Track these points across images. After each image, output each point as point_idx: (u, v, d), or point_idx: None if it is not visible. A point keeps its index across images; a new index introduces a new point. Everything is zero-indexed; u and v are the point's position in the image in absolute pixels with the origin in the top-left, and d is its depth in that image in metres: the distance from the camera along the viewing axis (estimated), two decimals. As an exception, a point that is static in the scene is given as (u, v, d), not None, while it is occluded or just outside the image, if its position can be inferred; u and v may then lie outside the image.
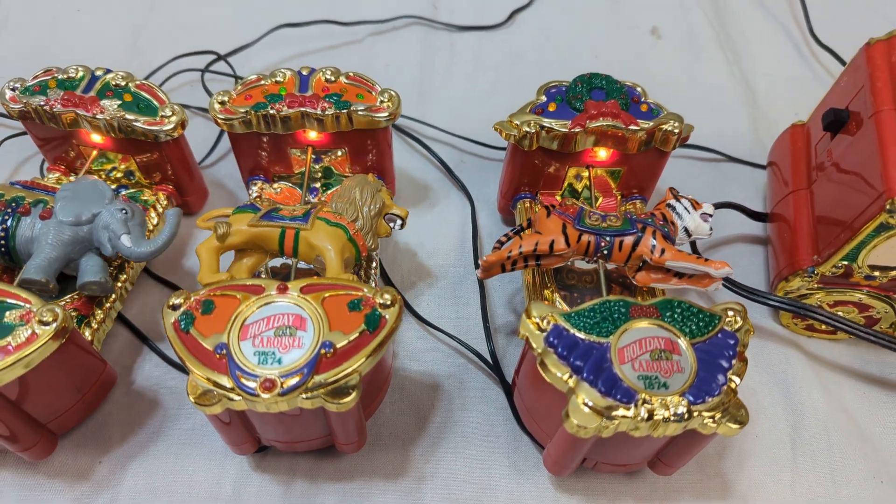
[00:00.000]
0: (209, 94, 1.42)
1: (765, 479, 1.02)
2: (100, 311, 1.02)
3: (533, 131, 1.05)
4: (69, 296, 1.01)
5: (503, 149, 1.36)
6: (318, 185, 1.19)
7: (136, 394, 1.07)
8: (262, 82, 1.09)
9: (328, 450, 1.01)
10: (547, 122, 1.05)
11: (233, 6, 1.63)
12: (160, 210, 1.13)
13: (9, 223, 0.97)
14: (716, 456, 1.03)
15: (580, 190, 1.18)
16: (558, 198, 1.19)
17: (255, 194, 1.17)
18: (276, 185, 1.18)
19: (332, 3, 1.61)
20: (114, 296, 1.04)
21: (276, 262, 1.11)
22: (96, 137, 1.10)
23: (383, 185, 1.05)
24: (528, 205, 1.17)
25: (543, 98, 1.09)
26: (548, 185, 1.18)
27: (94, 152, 1.12)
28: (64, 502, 0.98)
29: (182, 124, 1.06)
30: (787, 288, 1.08)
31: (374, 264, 1.10)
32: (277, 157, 1.15)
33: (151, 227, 1.10)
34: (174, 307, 0.84)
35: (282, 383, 0.77)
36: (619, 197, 1.18)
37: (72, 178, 1.14)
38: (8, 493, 0.98)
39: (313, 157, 1.15)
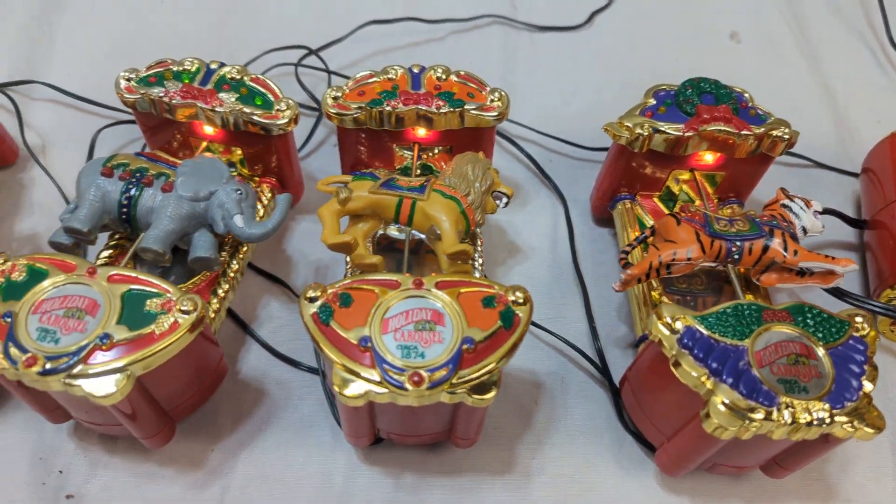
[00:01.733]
0: (303, 87, 1.43)
1: (867, 484, 1.03)
2: (215, 301, 1.03)
3: (646, 134, 1.06)
4: (188, 283, 1.02)
5: (593, 149, 1.37)
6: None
7: (243, 384, 1.09)
8: (375, 79, 1.10)
9: (436, 444, 1.03)
10: (662, 125, 1.06)
11: (319, 2, 1.64)
12: (265, 202, 1.14)
13: (132, 192, 0.99)
14: (819, 460, 1.03)
15: (677, 192, 1.19)
16: (656, 200, 1.19)
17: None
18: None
19: (416, 1, 1.61)
20: (227, 286, 1.05)
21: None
22: (209, 129, 1.11)
23: (491, 164, 1.06)
24: (628, 206, 1.18)
25: (653, 101, 1.10)
26: (646, 186, 1.19)
27: (204, 144, 1.12)
28: (178, 489, 0.99)
29: (295, 119, 1.06)
30: (892, 295, 1.08)
31: (479, 242, 1.11)
32: (381, 152, 1.16)
33: (257, 219, 1.11)
34: (311, 299, 0.85)
35: (429, 377, 0.78)
36: (716, 201, 1.19)
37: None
38: (122, 480, 1.00)
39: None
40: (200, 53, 1.44)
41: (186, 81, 1.08)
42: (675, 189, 1.19)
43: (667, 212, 1.17)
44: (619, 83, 1.52)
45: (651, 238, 1.04)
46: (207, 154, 1.10)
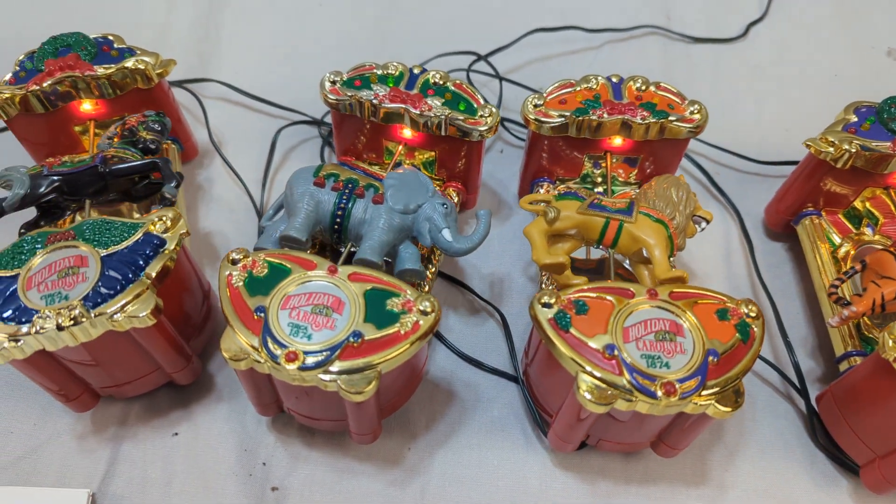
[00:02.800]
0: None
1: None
2: (418, 304, 1.04)
3: (853, 151, 1.05)
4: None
5: (762, 162, 1.36)
6: (600, 189, 1.20)
7: (433, 384, 1.10)
8: (575, 88, 1.10)
9: (630, 453, 1.04)
10: (868, 142, 1.05)
11: (483, 8, 1.66)
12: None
13: (347, 204, 1.00)
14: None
15: (862, 210, 1.18)
16: (841, 217, 1.18)
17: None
18: (559, 188, 1.20)
19: (577, 10, 1.62)
20: (427, 287, 1.07)
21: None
22: (407, 133, 1.13)
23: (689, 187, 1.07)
24: (816, 221, 1.17)
25: (854, 117, 1.09)
26: (831, 202, 1.18)
27: (401, 147, 1.14)
28: (378, 485, 1.01)
29: (496, 126, 1.08)
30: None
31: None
32: (568, 160, 1.17)
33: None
34: (546, 305, 0.86)
35: (680, 388, 0.79)
36: (904, 221, 1.17)
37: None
38: (322, 474, 1.02)
39: (596, 162, 1.18)
40: (362, 56, 1.47)
41: (392, 85, 1.09)
42: (860, 206, 1.17)
43: (853, 229, 1.16)
44: (778, 96, 1.51)
45: (862, 271, 1.02)
46: (407, 166, 1.11)
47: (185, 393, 1.08)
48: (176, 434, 1.05)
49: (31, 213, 1.07)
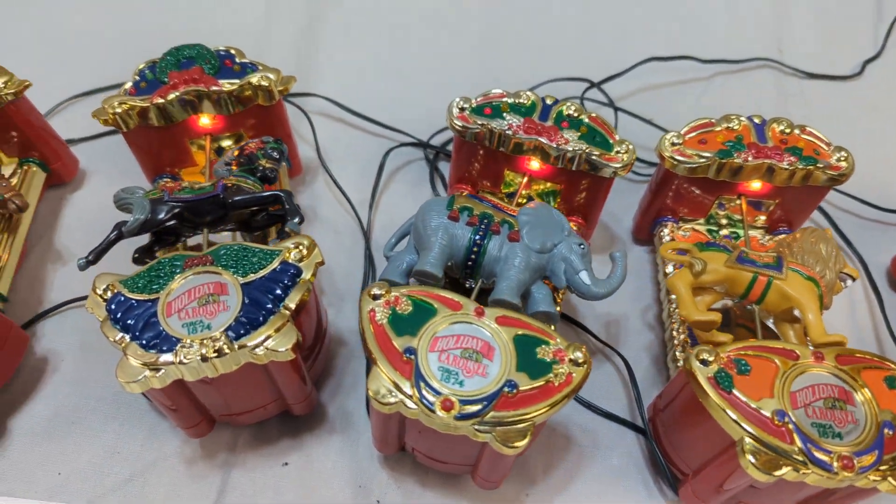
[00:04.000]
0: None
1: None
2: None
3: None
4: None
5: (886, 209, 1.31)
6: (724, 231, 1.16)
7: (550, 428, 1.06)
8: (715, 127, 1.06)
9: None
10: None
11: (592, 32, 1.62)
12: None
13: (483, 240, 0.96)
14: None
15: None
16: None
17: (667, 237, 1.14)
18: (683, 228, 1.15)
19: (688, 38, 1.58)
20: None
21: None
22: (534, 164, 1.09)
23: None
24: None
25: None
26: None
27: (525, 178, 1.11)
28: (498, 531, 0.97)
29: (632, 163, 1.04)
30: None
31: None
32: (696, 201, 1.13)
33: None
34: (704, 362, 0.82)
35: (858, 462, 0.74)
36: None
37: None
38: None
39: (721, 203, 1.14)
40: (467, 77, 1.45)
41: (525, 115, 1.05)
42: None
43: None
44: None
45: None
46: (538, 200, 1.08)
47: (295, 422, 1.05)
48: (286, 464, 1.02)
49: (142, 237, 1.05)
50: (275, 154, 1.07)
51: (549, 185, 1.14)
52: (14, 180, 1.18)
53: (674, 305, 1.06)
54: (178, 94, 1.06)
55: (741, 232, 1.16)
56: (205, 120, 1.13)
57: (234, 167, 1.05)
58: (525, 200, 1.14)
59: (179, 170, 1.21)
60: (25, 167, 1.21)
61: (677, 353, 1.02)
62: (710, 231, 1.17)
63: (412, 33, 1.64)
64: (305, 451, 1.04)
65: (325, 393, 1.08)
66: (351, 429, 1.05)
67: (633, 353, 1.14)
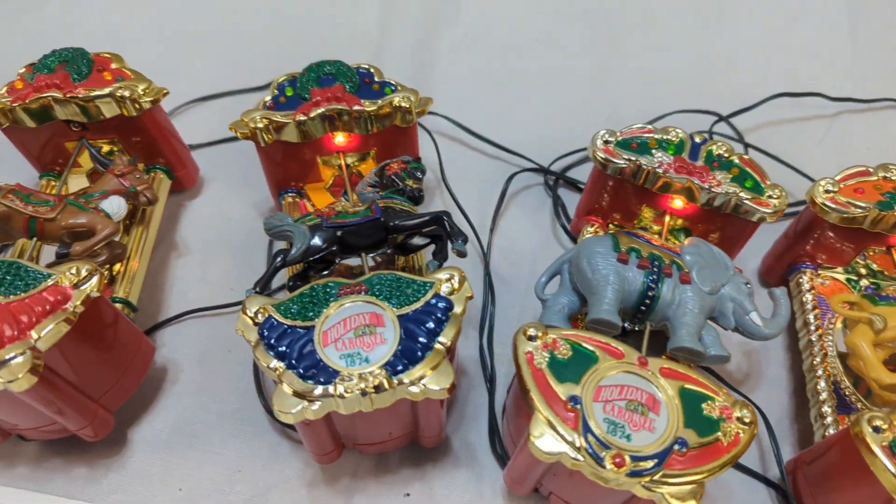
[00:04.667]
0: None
1: None
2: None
3: None
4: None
5: None
6: (864, 281, 1.11)
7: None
8: (871, 176, 1.02)
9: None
10: None
11: (718, 64, 1.58)
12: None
13: (658, 284, 0.93)
14: None
15: None
16: None
17: (806, 284, 1.10)
18: (823, 276, 1.11)
19: (814, 75, 1.54)
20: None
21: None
22: (678, 203, 1.05)
23: None
24: None
25: None
26: None
27: (667, 217, 1.08)
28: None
29: (782, 209, 1.00)
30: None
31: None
32: (840, 250, 1.08)
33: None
34: (877, 430, 0.79)
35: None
36: None
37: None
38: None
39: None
40: (583, 103, 1.42)
41: (672, 153, 1.02)
42: None
43: None
44: None
45: None
46: (694, 237, 1.04)
47: (417, 451, 1.03)
48: (408, 495, 1.00)
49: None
50: (418, 174, 1.05)
51: (679, 221, 1.11)
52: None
53: (817, 358, 1.02)
54: (320, 111, 1.05)
55: (882, 282, 1.11)
56: (340, 138, 1.12)
57: (379, 190, 1.04)
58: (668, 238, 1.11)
59: (304, 185, 1.20)
60: (153, 174, 1.20)
61: (824, 410, 0.98)
62: (848, 280, 1.12)
63: (526, 55, 1.62)
64: (428, 482, 1.01)
65: (450, 425, 1.06)
66: (475, 463, 1.02)
67: (764, 403, 1.09)
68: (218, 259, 1.23)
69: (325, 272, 1.02)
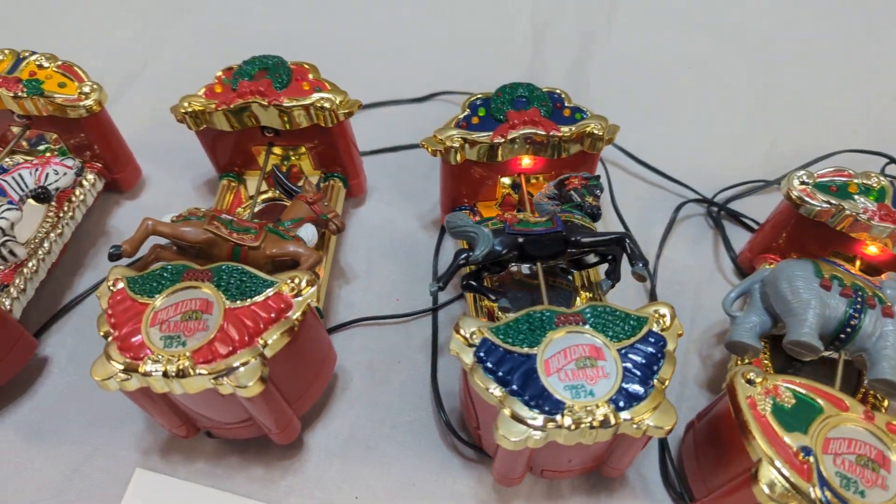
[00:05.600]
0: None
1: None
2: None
3: None
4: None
5: None
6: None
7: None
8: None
9: None
10: None
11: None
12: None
13: (860, 313, 0.92)
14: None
15: None
16: None
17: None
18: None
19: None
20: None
21: None
22: (872, 249, 1.04)
23: None
24: None
25: None
26: None
27: (857, 263, 1.05)
28: None
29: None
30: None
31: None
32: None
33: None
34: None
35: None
36: None
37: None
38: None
39: None
40: (741, 134, 1.40)
41: (874, 199, 1.00)
42: None
43: None
44: None
45: None
46: (893, 273, 1.02)
47: (590, 479, 1.03)
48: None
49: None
50: (597, 191, 1.05)
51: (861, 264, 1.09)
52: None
53: None
54: (518, 134, 1.05)
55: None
56: (526, 160, 1.12)
57: (559, 203, 1.04)
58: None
59: (476, 202, 1.21)
60: (331, 181, 1.22)
61: None
62: None
63: (679, 81, 1.60)
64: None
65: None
66: (649, 497, 1.02)
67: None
68: (383, 269, 1.25)
69: (498, 273, 1.04)
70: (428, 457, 1.04)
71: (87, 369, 1.07)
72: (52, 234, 1.11)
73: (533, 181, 1.18)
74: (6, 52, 1.16)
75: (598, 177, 1.08)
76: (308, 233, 1.06)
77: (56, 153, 1.20)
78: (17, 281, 1.05)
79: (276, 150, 1.20)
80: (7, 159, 1.18)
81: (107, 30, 1.73)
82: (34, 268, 1.08)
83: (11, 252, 1.02)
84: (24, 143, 1.23)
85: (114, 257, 0.98)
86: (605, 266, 1.04)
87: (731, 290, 1.03)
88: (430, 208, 1.31)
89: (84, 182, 1.19)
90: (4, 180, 1.06)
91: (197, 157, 1.29)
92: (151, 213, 1.02)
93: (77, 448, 1.04)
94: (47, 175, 1.09)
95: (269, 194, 1.21)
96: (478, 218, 1.08)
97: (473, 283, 1.01)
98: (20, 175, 1.08)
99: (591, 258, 1.03)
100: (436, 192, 1.32)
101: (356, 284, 1.23)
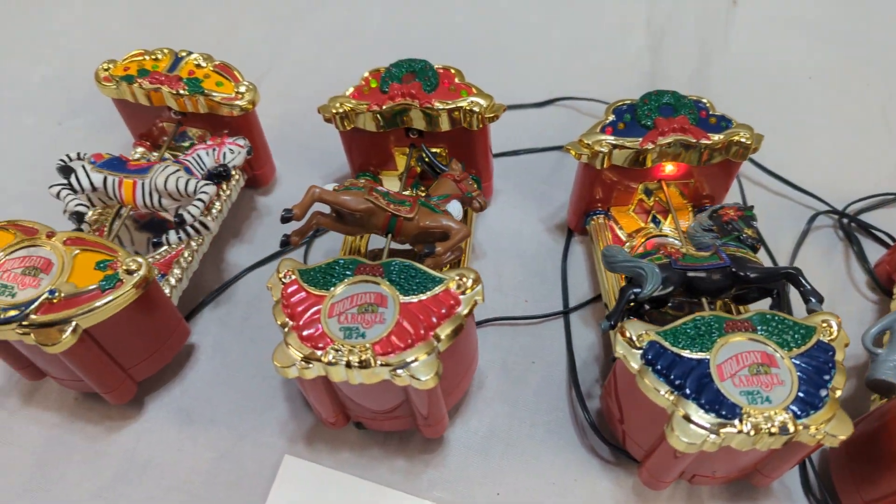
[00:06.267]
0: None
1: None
2: None
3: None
4: None
5: None
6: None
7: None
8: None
9: None
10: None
11: None
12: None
13: None
14: None
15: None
16: None
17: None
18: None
19: None
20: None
21: None
22: None
23: None
24: None
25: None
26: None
27: None
28: None
29: None
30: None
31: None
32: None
33: None
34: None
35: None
36: None
37: None
38: None
39: None
40: (862, 148, 1.39)
41: None
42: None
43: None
44: None
45: None
46: None
47: (733, 486, 1.02)
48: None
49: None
50: (754, 223, 1.04)
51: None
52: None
53: None
54: (668, 140, 1.06)
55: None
56: (670, 167, 1.13)
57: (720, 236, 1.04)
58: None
59: (609, 207, 1.22)
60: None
61: None
62: None
63: (799, 90, 1.59)
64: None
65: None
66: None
67: None
68: (511, 269, 1.27)
69: (658, 309, 1.03)
70: (567, 457, 1.06)
71: (230, 358, 1.12)
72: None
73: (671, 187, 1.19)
74: (165, 51, 1.20)
75: (752, 207, 1.08)
76: (455, 209, 1.09)
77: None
78: (176, 270, 1.09)
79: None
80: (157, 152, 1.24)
81: (232, 30, 1.77)
82: (189, 258, 1.11)
83: (204, 225, 1.11)
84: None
85: (285, 220, 1.04)
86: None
87: (871, 325, 1.01)
88: (553, 211, 1.33)
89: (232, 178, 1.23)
90: (187, 160, 1.11)
91: (323, 155, 1.33)
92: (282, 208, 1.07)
93: (226, 433, 1.08)
94: (224, 154, 1.15)
95: (407, 193, 1.23)
96: (616, 227, 1.09)
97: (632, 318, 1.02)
98: (198, 156, 1.14)
99: (755, 293, 1.03)
100: (558, 195, 1.33)
101: (486, 284, 1.24)
